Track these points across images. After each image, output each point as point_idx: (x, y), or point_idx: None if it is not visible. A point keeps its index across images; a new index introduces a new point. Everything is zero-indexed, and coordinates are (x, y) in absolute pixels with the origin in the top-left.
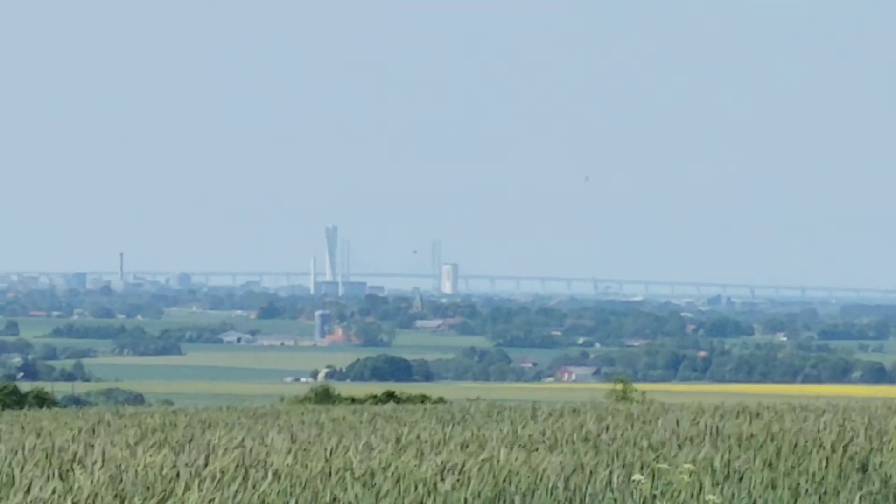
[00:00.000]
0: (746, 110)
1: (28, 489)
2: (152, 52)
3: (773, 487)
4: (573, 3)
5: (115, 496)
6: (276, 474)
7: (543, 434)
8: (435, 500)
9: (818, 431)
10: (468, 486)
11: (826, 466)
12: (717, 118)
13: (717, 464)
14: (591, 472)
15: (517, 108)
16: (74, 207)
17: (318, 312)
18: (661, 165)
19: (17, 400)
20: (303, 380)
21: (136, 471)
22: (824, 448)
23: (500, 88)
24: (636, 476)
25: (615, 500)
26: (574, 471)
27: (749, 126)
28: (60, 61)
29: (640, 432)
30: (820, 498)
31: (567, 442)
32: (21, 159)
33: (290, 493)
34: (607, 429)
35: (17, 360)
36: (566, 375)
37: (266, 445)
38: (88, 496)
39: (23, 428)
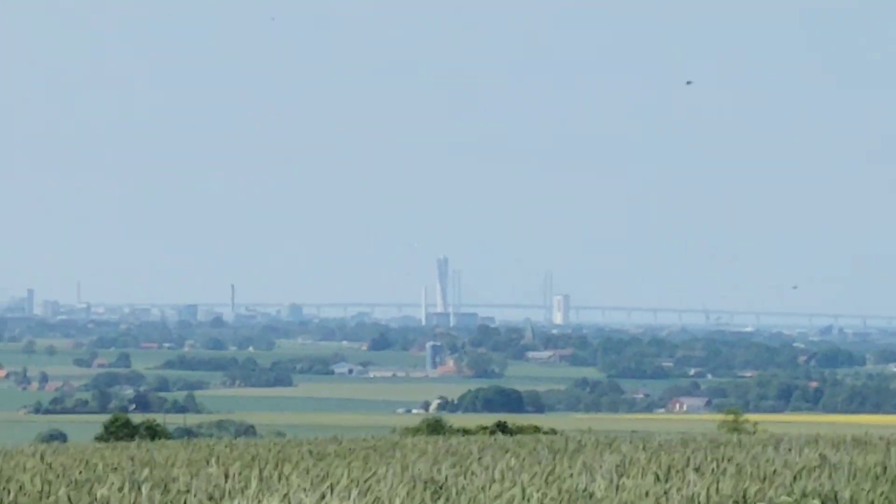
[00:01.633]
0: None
1: None
2: (268, 83)
3: None
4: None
5: None
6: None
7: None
8: None
9: None
10: None
11: None
12: (838, 147)
13: (835, 495)
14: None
15: (625, 139)
16: (186, 240)
17: (429, 343)
18: (771, 197)
19: (129, 432)
20: (414, 411)
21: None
22: None
23: (606, 119)
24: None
25: None
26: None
27: (854, 156)
28: (174, 93)
29: (751, 462)
30: None
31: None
32: (132, 193)
33: None
34: (722, 459)
35: (129, 391)
36: (678, 406)
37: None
38: None
39: (132, 459)
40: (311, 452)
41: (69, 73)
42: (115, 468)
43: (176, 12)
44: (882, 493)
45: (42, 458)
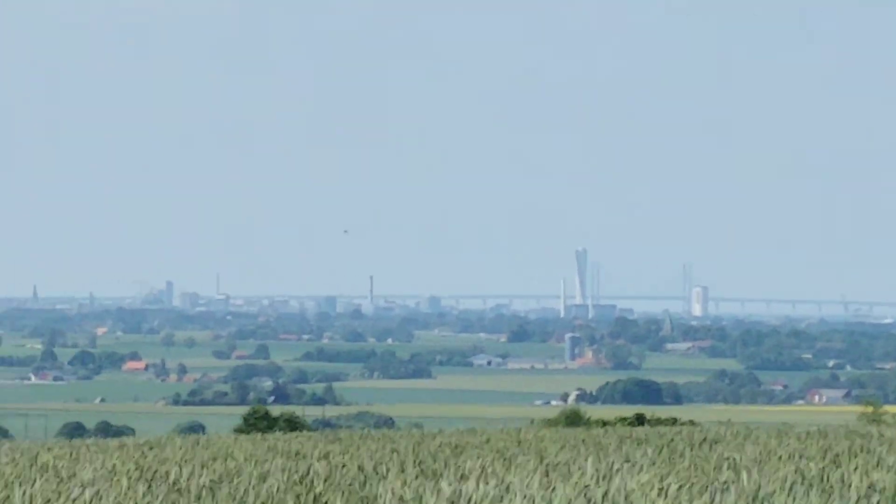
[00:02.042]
0: None
1: None
2: (388, 81)
3: None
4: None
5: None
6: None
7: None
8: None
9: None
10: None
11: None
12: None
13: None
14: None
15: (763, 131)
16: (326, 231)
17: (568, 335)
18: None
19: (268, 424)
20: (552, 403)
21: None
22: None
23: (742, 111)
24: None
25: None
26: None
27: None
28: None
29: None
30: None
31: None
32: (270, 186)
33: None
34: (862, 450)
35: (267, 383)
36: (817, 398)
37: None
38: None
39: (268, 449)
40: (449, 444)
41: (231, 69)
42: (297, 454)
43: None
44: None
45: (185, 447)
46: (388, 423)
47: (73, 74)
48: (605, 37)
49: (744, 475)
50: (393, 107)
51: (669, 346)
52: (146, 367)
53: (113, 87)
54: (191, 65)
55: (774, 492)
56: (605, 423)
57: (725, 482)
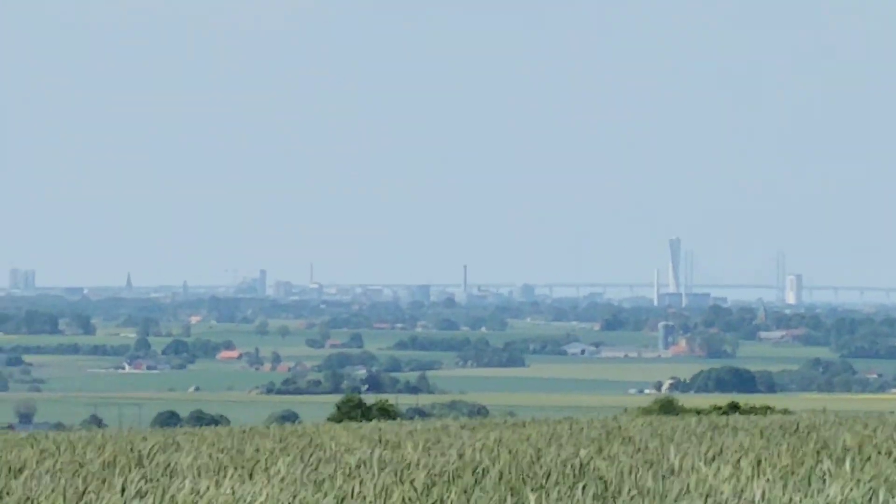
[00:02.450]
0: None
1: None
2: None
3: None
4: None
5: None
6: None
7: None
8: None
9: None
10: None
11: None
12: None
13: None
14: None
15: (858, 119)
16: (419, 221)
17: (661, 324)
18: None
19: (362, 413)
20: (646, 391)
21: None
22: None
23: (836, 100)
24: None
25: None
26: None
27: None
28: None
29: None
30: None
31: None
32: (361, 177)
33: None
34: None
35: (361, 372)
36: None
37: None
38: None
39: (363, 438)
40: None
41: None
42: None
43: None
44: None
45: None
46: (482, 411)
47: (175, 63)
48: (698, 24)
49: (846, 464)
50: (478, 98)
51: (763, 334)
52: (240, 356)
53: (214, 80)
54: (301, 57)
55: (872, 478)
56: (699, 412)
57: (825, 471)
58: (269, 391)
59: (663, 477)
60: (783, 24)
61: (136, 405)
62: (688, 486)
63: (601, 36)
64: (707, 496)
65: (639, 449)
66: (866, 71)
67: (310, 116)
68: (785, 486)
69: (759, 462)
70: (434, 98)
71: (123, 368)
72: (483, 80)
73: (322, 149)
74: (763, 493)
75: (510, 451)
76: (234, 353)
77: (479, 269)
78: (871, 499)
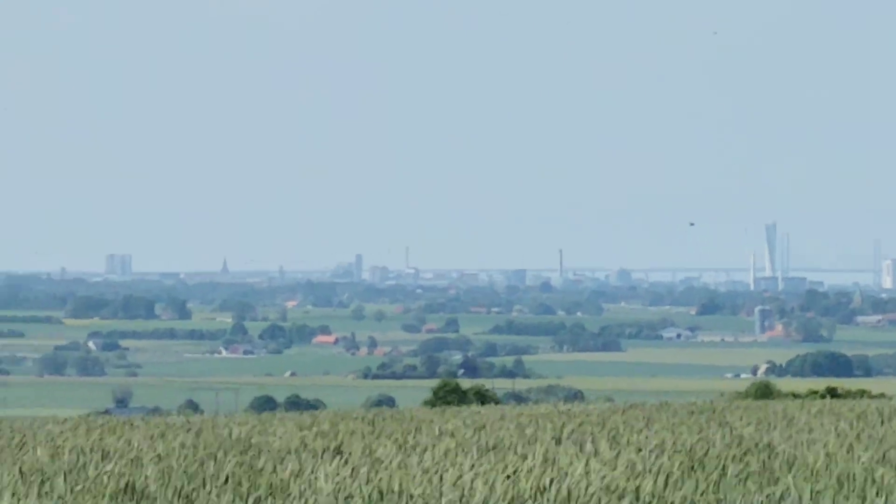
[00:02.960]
0: None
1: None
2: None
3: None
4: None
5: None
6: None
7: None
8: None
9: None
10: None
11: None
12: None
13: None
14: None
15: None
16: (515, 205)
17: (757, 308)
18: None
19: (458, 397)
20: (742, 376)
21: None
22: None
23: None
24: None
25: None
26: None
27: None
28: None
29: None
30: None
31: None
32: (458, 161)
33: None
34: None
35: (457, 357)
36: None
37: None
38: (531, 491)
39: (464, 422)
40: (640, 417)
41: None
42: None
43: None
44: None
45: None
46: (578, 396)
47: (267, 51)
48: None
49: None
50: (580, 82)
51: (860, 318)
52: (336, 341)
53: (311, 66)
54: (397, 43)
55: None
56: (795, 396)
57: None
58: (366, 376)
59: None
60: None
61: (232, 390)
62: None
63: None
64: None
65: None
66: None
67: (406, 101)
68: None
69: (853, 446)
70: (532, 81)
71: (219, 353)
72: (565, 61)
73: (420, 134)
74: None
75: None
76: (331, 338)
77: (575, 254)
78: None
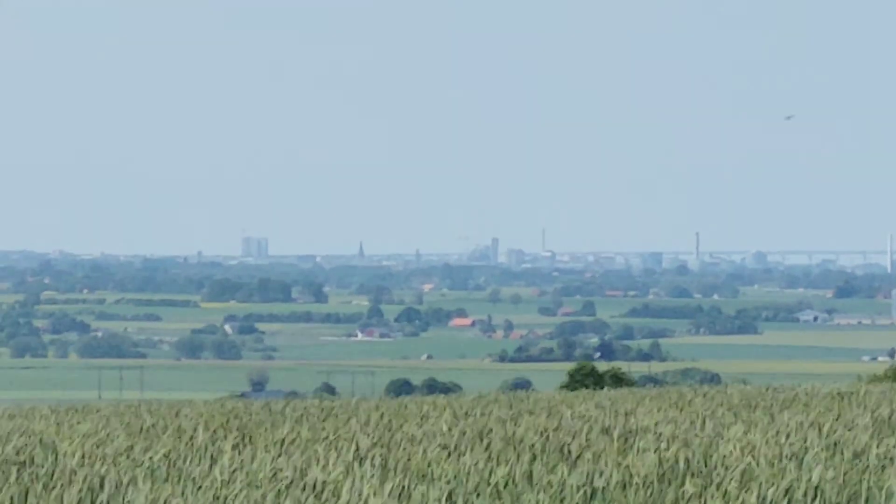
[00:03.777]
0: None
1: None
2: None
3: None
4: None
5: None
6: None
7: None
8: None
9: None
10: None
11: None
12: None
13: None
14: None
15: None
16: (651, 187)
17: (895, 291)
18: None
19: (594, 380)
20: (880, 359)
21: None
22: None
23: None
24: None
25: None
26: None
27: None
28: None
29: None
30: None
31: None
32: (591, 144)
33: None
34: None
35: (593, 340)
36: None
37: None
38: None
39: (597, 405)
40: (776, 399)
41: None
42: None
43: None
44: None
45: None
46: (714, 379)
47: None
48: None
49: None
50: (721, 61)
51: None
52: (472, 324)
53: (447, 49)
54: (540, 26)
55: None
56: None
57: None
58: (502, 359)
59: None
60: None
61: (368, 373)
62: None
63: None
64: None
65: None
66: None
67: (541, 84)
68: None
69: None
70: (667, 64)
71: (356, 336)
72: (707, 39)
73: (557, 117)
74: None
75: None
76: (467, 321)
77: (711, 236)
78: None
